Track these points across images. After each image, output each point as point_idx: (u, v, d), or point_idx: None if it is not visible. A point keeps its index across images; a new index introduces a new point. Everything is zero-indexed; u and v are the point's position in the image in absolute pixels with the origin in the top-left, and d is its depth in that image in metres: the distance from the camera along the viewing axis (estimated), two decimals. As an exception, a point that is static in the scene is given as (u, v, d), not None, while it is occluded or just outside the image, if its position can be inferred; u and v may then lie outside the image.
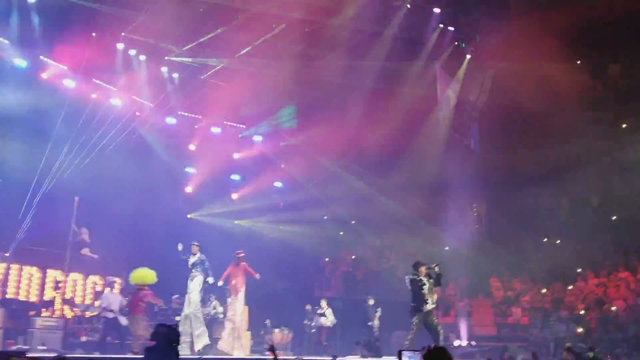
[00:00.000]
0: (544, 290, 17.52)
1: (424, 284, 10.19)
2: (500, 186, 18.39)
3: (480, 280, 18.41)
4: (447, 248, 19.76)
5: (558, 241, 19.12)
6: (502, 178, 18.42)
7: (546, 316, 15.54)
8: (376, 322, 14.34)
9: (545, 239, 19.34)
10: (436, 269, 10.44)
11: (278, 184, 20.30)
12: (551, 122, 17.32)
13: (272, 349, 5.60)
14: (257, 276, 12.11)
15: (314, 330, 15.18)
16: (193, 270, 11.80)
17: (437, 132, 18.20)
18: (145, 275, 11.25)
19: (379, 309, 14.45)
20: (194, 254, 11.93)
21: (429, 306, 10.10)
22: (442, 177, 17.85)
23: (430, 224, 18.35)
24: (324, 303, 15.19)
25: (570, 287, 17.20)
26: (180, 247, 11.89)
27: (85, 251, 14.67)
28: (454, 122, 18.31)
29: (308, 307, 15.82)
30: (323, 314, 14.89)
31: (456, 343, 13.88)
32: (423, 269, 10.38)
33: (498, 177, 18.58)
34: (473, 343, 14.05)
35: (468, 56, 17.34)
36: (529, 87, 15.95)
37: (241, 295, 12.15)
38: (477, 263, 18.91)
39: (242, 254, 12.40)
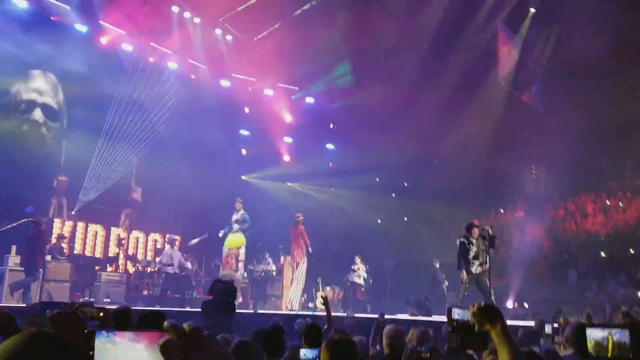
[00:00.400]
0: (603, 255, 16.90)
1: (472, 245, 10.06)
2: (562, 146, 17.61)
3: (537, 243, 17.91)
4: (502, 211, 19.31)
5: (621, 203, 18.29)
6: (564, 138, 17.62)
7: (603, 279, 15.03)
8: (445, 284, 14.16)
9: (608, 201, 18.52)
10: (490, 230, 10.29)
11: (330, 146, 20.30)
12: (619, 79, 16.31)
13: (325, 302, 5.73)
14: (310, 249, 12.39)
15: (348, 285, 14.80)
16: (235, 227, 12.15)
17: (497, 90, 17.55)
18: (237, 240, 12.55)
19: (445, 272, 14.16)
20: (237, 211, 12.21)
21: (477, 268, 9.99)
22: (501, 137, 17.27)
23: (487, 186, 17.90)
24: (358, 259, 14.68)
25: (632, 251, 16.52)
26: (221, 233, 12.45)
27: (127, 211, 15.33)
28: (515, 80, 17.57)
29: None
30: (357, 270, 14.53)
31: (509, 304, 13.71)
32: (476, 231, 10.26)
33: (560, 137, 17.79)
34: (526, 305, 13.82)
35: (532, 10, 16.43)
36: (597, 43, 14.98)
37: (303, 263, 12.46)
38: (534, 225, 18.39)
39: (301, 217, 12.57)
